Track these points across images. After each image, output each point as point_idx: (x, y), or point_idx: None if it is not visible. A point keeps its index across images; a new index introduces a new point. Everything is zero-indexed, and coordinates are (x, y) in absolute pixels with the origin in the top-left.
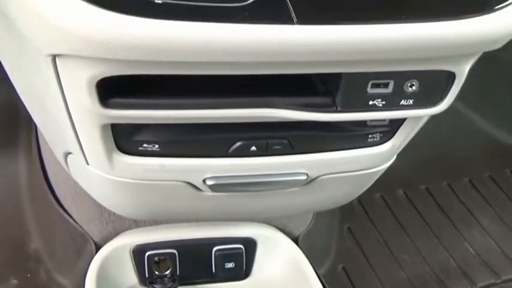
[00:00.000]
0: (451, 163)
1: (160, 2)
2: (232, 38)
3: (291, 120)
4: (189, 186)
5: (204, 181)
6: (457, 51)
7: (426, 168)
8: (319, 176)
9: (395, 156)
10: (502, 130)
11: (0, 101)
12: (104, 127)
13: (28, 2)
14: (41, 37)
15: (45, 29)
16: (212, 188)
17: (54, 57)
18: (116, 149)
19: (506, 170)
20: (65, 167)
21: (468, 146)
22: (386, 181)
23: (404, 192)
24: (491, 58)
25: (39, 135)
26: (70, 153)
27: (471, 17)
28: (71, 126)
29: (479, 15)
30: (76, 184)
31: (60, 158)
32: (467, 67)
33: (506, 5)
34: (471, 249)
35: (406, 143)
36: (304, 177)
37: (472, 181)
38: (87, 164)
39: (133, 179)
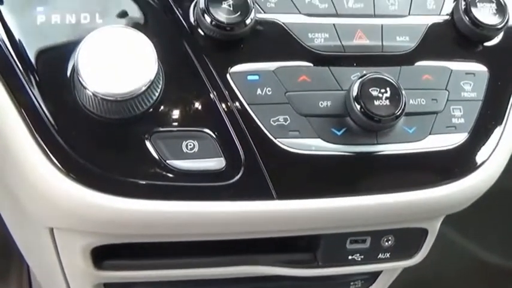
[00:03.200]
0: (441, 287)
1: (144, 182)
2: (219, 214)
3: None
4: None
5: None
6: (430, 215)
7: None
8: None
9: None
10: (489, 252)
11: None
12: (96, 286)
13: (29, 184)
14: (40, 213)
15: (44, 208)
16: None
17: (51, 229)
18: None
19: None
20: None
21: (456, 268)
22: None
23: None
24: None
25: (30, 272)
26: None
27: (441, 184)
28: (64, 283)
29: (448, 183)
30: None
31: None
32: (438, 223)
33: (470, 172)
34: None
35: (387, 286)
36: None
37: None
38: None
39: None
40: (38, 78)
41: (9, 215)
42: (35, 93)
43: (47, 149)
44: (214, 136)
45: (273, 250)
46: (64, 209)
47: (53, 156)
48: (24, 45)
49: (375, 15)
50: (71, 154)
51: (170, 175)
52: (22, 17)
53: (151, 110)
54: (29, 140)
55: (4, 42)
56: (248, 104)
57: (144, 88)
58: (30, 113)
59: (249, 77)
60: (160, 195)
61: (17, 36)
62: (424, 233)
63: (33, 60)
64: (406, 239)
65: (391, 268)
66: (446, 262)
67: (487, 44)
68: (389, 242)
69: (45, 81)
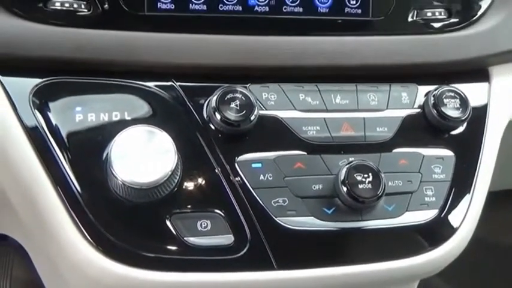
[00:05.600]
0: None
1: (165, 256)
2: (228, 284)
3: None
4: None
5: None
6: (408, 280)
7: None
8: None
9: None
10: None
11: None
12: None
13: (64, 255)
14: (75, 282)
15: (78, 278)
16: None
17: None
18: None
19: None
20: None
21: None
22: None
23: None
24: None
25: None
26: None
27: (417, 254)
28: None
29: (423, 253)
30: None
31: None
32: (415, 285)
33: (442, 243)
34: None
35: None
36: None
37: None
38: None
39: None
40: (76, 165)
41: (49, 280)
42: (73, 178)
43: (80, 225)
44: (224, 216)
45: None
46: (94, 280)
47: (85, 231)
48: (65, 139)
49: (358, 110)
50: (101, 231)
51: (187, 250)
52: (64, 116)
53: (171, 194)
54: (64, 217)
55: (48, 136)
56: (253, 188)
57: (165, 178)
58: (68, 194)
59: (253, 165)
60: (178, 267)
61: (60, 132)
62: None
63: (72, 149)
64: None
65: None
66: None
67: (453, 132)
68: None
69: (82, 167)
